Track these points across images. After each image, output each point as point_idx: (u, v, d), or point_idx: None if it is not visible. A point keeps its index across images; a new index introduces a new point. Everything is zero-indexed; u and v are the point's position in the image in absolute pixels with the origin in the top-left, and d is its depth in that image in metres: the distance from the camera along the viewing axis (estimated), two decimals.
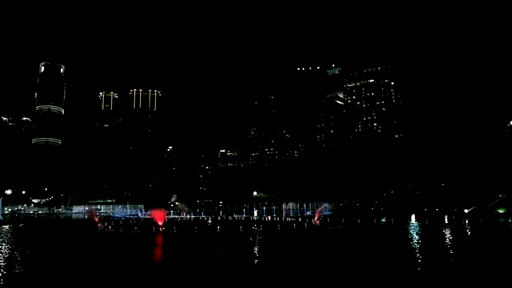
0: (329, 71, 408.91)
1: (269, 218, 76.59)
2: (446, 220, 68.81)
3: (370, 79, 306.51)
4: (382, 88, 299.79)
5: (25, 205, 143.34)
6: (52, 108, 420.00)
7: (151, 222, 55.14)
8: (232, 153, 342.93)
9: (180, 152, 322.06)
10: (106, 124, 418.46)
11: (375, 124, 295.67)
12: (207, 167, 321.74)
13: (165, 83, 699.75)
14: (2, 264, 26.18)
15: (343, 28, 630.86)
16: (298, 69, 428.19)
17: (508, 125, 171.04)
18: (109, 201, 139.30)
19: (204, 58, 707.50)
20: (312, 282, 20.76)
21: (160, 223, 53.58)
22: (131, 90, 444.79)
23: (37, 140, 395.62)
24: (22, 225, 68.84)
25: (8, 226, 65.67)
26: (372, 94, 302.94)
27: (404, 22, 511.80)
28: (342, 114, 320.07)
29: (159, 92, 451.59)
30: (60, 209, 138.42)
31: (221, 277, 22.43)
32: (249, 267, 25.25)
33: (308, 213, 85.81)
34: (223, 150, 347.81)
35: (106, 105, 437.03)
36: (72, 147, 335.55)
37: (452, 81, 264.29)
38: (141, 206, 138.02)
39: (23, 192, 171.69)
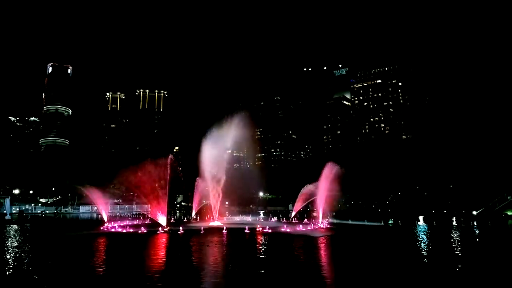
0: (336, 71, 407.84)
1: (275, 219, 76.23)
2: (454, 222, 68.10)
3: (378, 79, 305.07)
4: (390, 89, 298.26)
5: (32, 204, 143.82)
6: (59, 108, 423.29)
7: (156, 222, 55.03)
8: (238, 154, 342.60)
9: (186, 153, 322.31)
10: (113, 125, 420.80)
11: (382, 125, 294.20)
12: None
13: (172, 83, 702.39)
14: (7, 265, 26.14)
15: (350, 28, 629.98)
16: (305, 69, 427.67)
17: None
18: (115, 201, 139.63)
19: (210, 59, 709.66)
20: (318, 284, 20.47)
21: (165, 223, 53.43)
22: (137, 91, 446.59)
23: (44, 140, 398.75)
24: (28, 225, 69.07)
25: (16, 225, 65.94)
26: (380, 94, 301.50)
27: (411, 22, 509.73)
28: (349, 115, 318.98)
29: (165, 92, 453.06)
30: (67, 209, 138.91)
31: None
32: (255, 268, 25.03)
33: (314, 214, 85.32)
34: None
35: (113, 106, 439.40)
36: (79, 147, 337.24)
37: (460, 82, 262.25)
38: (147, 206, 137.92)
39: (31, 192, 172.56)
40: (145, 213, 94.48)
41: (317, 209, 66.79)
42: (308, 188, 69.48)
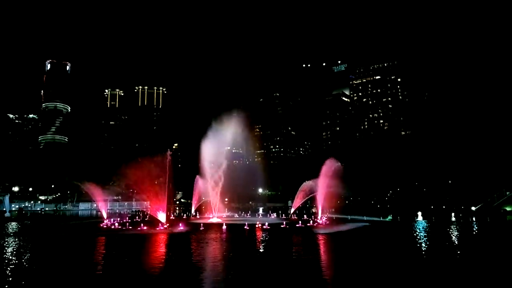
0: (335, 67, 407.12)
1: (274, 216, 76.40)
2: (453, 217, 68.30)
3: (377, 75, 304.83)
4: (389, 85, 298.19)
5: (32, 201, 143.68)
6: (58, 105, 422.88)
7: (156, 219, 55.03)
8: (237, 150, 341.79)
9: (185, 150, 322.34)
10: (112, 121, 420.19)
11: (381, 121, 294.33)
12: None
13: (171, 80, 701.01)
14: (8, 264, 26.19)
15: (349, 24, 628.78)
16: (304, 65, 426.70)
17: None
18: (115, 198, 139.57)
19: (209, 55, 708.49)
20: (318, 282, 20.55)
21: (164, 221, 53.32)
22: (136, 88, 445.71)
23: (43, 137, 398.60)
24: (29, 222, 69.13)
25: (15, 222, 65.97)
26: (379, 90, 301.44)
27: (410, 18, 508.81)
28: (348, 111, 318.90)
29: (164, 89, 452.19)
30: (66, 206, 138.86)
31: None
32: (254, 265, 25.13)
33: (314, 210, 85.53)
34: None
35: (112, 103, 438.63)
36: (78, 144, 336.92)
37: (459, 77, 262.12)
38: (147, 203, 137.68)
39: (30, 189, 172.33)
40: (144, 210, 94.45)
41: (316, 205, 66.88)
42: (307, 185, 69.54)
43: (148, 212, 67.43)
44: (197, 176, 74.98)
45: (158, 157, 57.23)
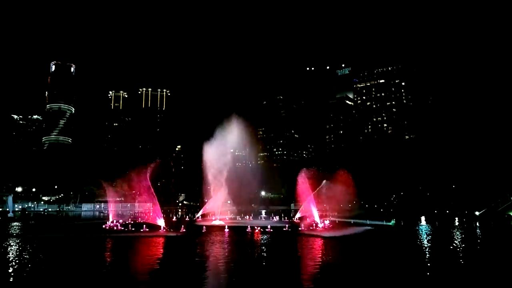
0: (339, 71, 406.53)
1: (277, 219, 76.15)
2: (456, 222, 67.95)
3: (381, 79, 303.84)
4: (393, 89, 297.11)
5: (35, 202, 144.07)
6: (62, 106, 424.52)
7: (158, 220, 54.74)
8: (240, 153, 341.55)
9: (189, 152, 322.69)
10: (115, 123, 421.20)
11: (385, 124, 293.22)
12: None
13: (174, 82, 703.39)
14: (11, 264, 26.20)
15: (353, 27, 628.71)
16: (308, 69, 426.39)
17: None
18: (118, 199, 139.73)
19: (213, 58, 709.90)
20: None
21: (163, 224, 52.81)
22: (140, 89, 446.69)
23: (47, 138, 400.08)
24: (33, 222, 69.33)
25: (18, 223, 66.11)
26: (383, 94, 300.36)
27: (415, 22, 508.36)
28: (351, 115, 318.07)
29: (168, 91, 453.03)
30: (69, 207, 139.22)
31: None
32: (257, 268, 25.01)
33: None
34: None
35: (116, 104, 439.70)
36: (81, 145, 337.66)
37: (464, 82, 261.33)
38: (149, 204, 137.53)
39: (33, 190, 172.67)
40: (144, 211, 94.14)
41: (321, 208, 66.57)
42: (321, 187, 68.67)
43: (151, 214, 67.10)
44: (203, 179, 74.66)
45: (161, 159, 57.20)
